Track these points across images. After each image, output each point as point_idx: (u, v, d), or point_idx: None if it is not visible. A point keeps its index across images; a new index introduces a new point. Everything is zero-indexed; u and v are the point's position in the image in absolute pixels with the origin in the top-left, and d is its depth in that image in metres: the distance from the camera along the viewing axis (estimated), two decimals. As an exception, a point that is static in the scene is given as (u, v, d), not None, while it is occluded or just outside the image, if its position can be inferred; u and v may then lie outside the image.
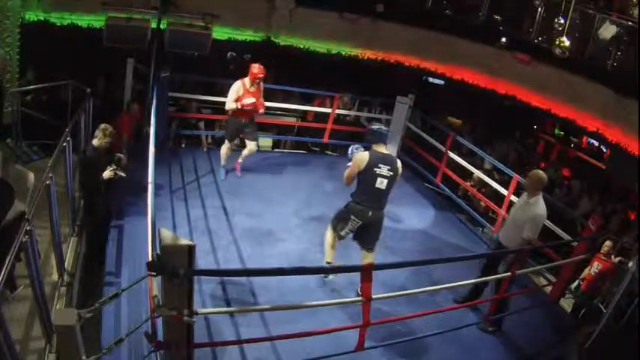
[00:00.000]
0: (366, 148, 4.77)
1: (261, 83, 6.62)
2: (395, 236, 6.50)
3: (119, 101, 7.28)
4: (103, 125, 5.11)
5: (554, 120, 9.27)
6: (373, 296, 3.53)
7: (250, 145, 6.91)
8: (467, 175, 7.45)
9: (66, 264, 4.36)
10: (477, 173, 7.21)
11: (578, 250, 5.61)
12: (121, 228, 5.42)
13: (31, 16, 6.95)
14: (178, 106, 8.14)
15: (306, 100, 9.18)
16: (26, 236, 2.99)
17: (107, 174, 5.02)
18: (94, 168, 5.01)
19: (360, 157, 4.63)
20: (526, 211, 4.63)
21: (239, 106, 6.45)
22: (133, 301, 4.10)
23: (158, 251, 2.81)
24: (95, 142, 5.06)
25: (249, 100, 6.44)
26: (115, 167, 5.09)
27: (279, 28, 8.61)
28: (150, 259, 3.08)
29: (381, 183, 4.55)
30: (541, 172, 4.89)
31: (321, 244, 5.94)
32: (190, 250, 2.72)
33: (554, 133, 10.86)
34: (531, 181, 4.73)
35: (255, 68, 6.44)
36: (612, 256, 5.88)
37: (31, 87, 6.76)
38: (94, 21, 7.29)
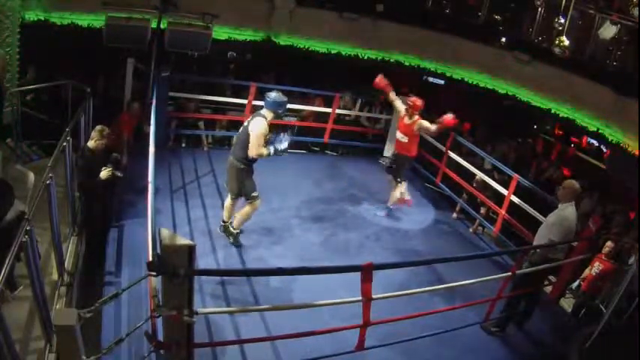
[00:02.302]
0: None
1: (421, 122, 6.35)
2: (395, 236, 6.51)
3: (119, 101, 7.28)
4: (99, 127, 5.06)
5: (554, 120, 9.27)
6: (373, 296, 3.53)
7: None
8: (468, 176, 7.44)
9: (66, 264, 4.35)
10: (480, 175, 7.20)
11: (578, 250, 5.61)
12: (121, 228, 5.42)
13: (31, 16, 6.95)
14: (177, 105, 8.14)
15: (306, 100, 9.18)
16: (26, 236, 2.99)
17: (104, 175, 4.99)
18: (91, 170, 4.99)
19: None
20: (556, 215, 4.83)
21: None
22: (133, 301, 4.10)
23: (158, 251, 2.81)
24: (91, 143, 5.01)
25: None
26: (112, 168, 5.06)
27: (279, 28, 8.60)
28: (150, 259, 3.08)
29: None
30: (575, 182, 5.02)
31: (321, 243, 5.98)
32: (190, 250, 2.72)
33: (554, 133, 10.86)
34: (563, 189, 4.92)
35: (418, 101, 6.42)
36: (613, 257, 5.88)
37: (31, 87, 6.76)
38: (94, 21, 7.29)
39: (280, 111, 5.21)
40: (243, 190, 5.29)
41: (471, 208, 7.28)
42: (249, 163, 5.19)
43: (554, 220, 4.81)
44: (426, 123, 6.34)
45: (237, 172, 5.22)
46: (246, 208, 5.38)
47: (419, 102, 6.41)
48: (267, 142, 5.16)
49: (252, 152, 5.06)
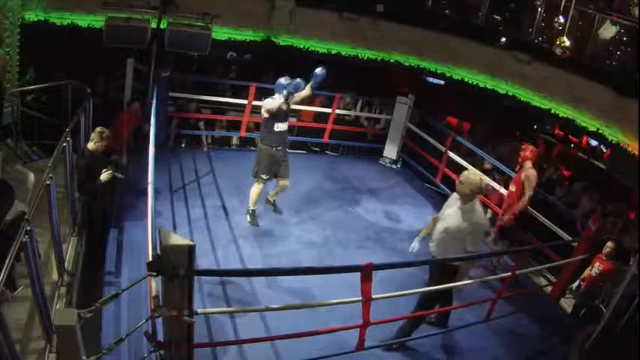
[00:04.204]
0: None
1: (528, 174, 5.73)
2: (395, 236, 6.51)
3: (119, 101, 7.28)
4: (99, 128, 5.07)
5: (554, 120, 9.27)
6: (373, 296, 3.53)
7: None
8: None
9: (66, 264, 4.36)
10: (487, 180, 7.18)
11: (578, 250, 5.60)
12: (121, 228, 5.42)
13: (31, 16, 6.94)
14: (178, 105, 8.14)
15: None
16: (26, 236, 2.99)
17: (105, 177, 4.99)
18: (90, 172, 4.99)
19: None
20: (464, 220, 4.07)
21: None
22: (133, 301, 4.10)
23: (158, 251, 2.81)
24: (91, 145, 5.02)
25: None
26: (112, 169, 5.06)
27: (279, 28, 8.60)
28: (150, 259, 3.08)
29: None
30: (477, 173, 4.33)
31: (321, 243, 5.98)
32: (190, 250, 2.72)
33: (554, 133, 10.85)
34: (466, 185, 4.08)
35: (527, 149, 5.86)
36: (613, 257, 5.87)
37: (31, 87, 6.76)
38: (94, 21, 7.28)
39: (285, 91, 5.53)
40: (256, 168, 5.74)
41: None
42: (265, 142, 5.68)
43: (466, 228, 4.05)
44: (532, 177, 5.72)
45: (257, 152, 5.84)
46: (252, 188, 5.88)
47: (527, 150, 5.83)
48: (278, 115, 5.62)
49: (265, 107, 5.56)
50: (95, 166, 5.02)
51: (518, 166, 5.97)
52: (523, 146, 5.97)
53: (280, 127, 5.64)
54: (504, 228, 6.07)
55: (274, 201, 6.25)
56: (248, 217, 5.99)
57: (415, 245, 4.56)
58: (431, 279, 4.36)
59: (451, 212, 4.20)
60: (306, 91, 5.77)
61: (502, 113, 9.53)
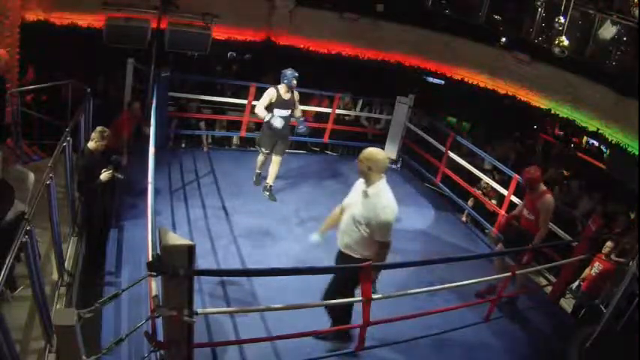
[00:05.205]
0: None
1: (546, 201, 4.98)
2: (395, 236, 6.47)
3: (119, 101, 7.28)
4: (100, 128, 5.07)
5: (554, 120, 9.28)
6: (373, 296, 3.53)
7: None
8: (470, 177, 7.43)
9: (66, 264, 4.35)
10: (487, 180, 7.18)
11: (578, 250, 5.60)
12: (121, 228, 5.42)
13: (31, 16, 6.95)
14: (178, 106, 8.14)
15: (306, 98, 9.17)
16: (26, 236, 2.99)
17: (105, 177, 4.99)
18: (91, 171, 4.99)
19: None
20: (369, 205, 3.62)
21: None
22: (133, 301, 4.10)
23: (158, 251, 2.81)
24: (91, 144, 5.01)
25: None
26: (112, 169, 5.06)
27: (279, 28, 8.61)
28: (150, 259, 3.08)
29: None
30: (382, 152, 3.75)
31: (321, 243, 5.98)
32: (190, 250, 2.72)
33: (554, 133, 10.86)
34: (364, 162, 3.63)
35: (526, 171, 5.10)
36: (613, 257, 5.87)
37: (31, 87, 6.76)
38: (94, 21, 7.29)
39: (286, 80, 6.18)
40: (259, 142, 6.54)
41: (478, 212, 7.26)
42: (265, 123, 6.24)
43: (372, 215, 3.61)
44: (550, 206, 4.99)
45: (261, 130, 6.57)
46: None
47: (536, 171, 5.08)
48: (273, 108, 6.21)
49: (255, 108, 6.28)
50: (95, 166, 5.01)
51: (528, 189, 5.17)
52: (528, 169, 5.16)
53: (279, 113, 6.19)
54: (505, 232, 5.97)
55: (271, 187, 6.69)
56: (254, 177, 6.86)
57: (315, 237, 4.12)
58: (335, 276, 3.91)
59: (355, 198, 3.78)
60: (262, 113, 6.24)
61: (502, 113, 9.54)
